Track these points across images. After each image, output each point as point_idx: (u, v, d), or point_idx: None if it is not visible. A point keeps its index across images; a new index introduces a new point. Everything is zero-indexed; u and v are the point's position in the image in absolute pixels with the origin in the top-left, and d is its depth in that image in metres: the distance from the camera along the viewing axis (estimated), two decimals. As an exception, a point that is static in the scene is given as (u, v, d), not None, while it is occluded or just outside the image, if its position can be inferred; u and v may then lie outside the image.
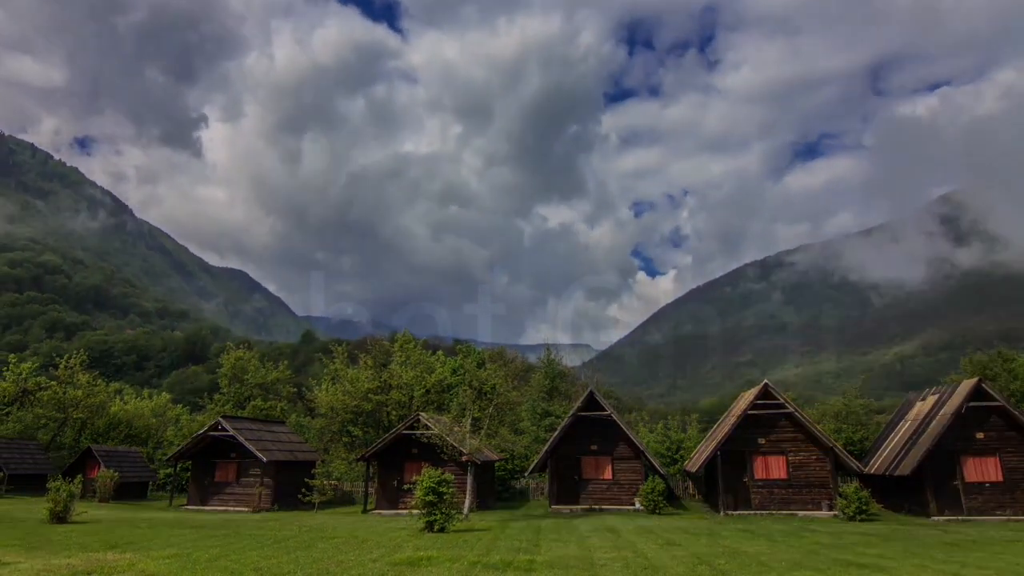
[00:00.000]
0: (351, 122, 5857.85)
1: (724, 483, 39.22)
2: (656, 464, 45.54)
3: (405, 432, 43.05)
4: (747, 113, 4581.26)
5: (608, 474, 42.67)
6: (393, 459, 44.62)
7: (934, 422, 37.40)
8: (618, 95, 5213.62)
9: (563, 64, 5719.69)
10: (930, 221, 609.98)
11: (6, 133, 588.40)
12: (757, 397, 40.07)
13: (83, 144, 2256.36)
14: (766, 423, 39.74)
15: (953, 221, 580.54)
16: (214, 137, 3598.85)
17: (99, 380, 71.74)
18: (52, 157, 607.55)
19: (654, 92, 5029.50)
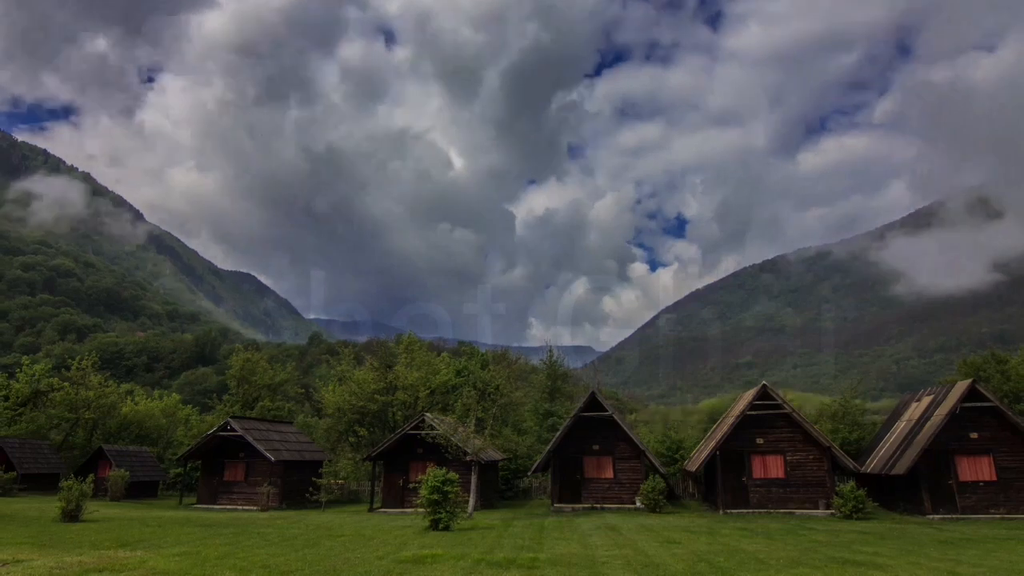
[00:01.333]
0: (324, 87, 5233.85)
1: (723, 482, 39.20)
2: (656, 464, 45.52)
3: (411, 432, 43.06)
4: (755, 81, 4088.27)
5: (609, 473, 42.64)
6: (399, 459, 44.67)
7: (929, 422, 37.36)
8: (612, 58, 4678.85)
9: (551, 11, 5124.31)
10: (940, 220, 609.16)
11: (19, 139, 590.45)
12: (756, 398, 40.05)
13: (34, 117, 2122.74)
14: (764, 423, 39.71)
15: (970, 218, 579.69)
16: (174, 109, 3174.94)
17: (110, 381, 71.98)
18: (64, 162, 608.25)
19: (651, 55, 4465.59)
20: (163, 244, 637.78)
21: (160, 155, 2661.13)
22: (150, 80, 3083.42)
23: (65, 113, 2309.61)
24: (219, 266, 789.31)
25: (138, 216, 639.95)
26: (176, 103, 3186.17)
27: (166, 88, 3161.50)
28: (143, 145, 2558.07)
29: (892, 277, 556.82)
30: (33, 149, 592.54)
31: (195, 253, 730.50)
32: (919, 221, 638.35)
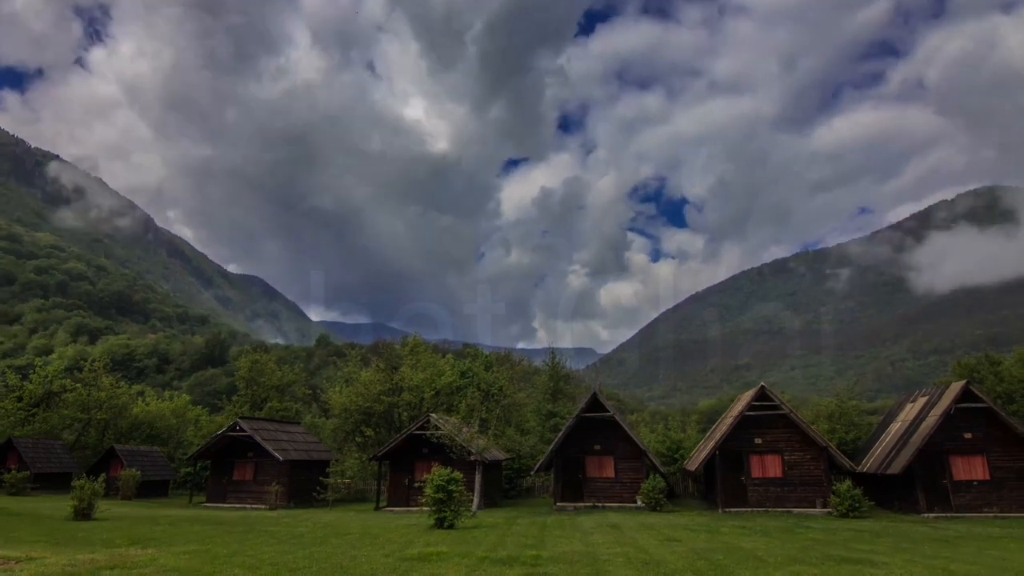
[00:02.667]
0: (294, 54, 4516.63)
1: (722, 481, 39.18)
2: (657, 463, 45.47)
3: (416, 432, 43.08)
4: (765, 41, 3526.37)
5: (611, 473, 42.61)
6: (404, 458, 44.66)
7: (924, 423, 37.34)
8: (603, 5, 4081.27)
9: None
10: (941, 222, 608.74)
11: (33, 146, 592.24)
12: (754, 399, 40.02)
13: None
14: (763, 424, 39.68)
15: (973, 220, 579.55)
16: (129, 76, 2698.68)
17: (122, 382, 72.13)
18: (77, 168, 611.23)
19: (648, 7, 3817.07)
20: (174, 248, 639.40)
21: (119, 128, 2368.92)
22: (96, 40, 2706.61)
23: (10, 81, 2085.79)
24: (228, 269, 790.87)
25: (150, 221, 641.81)
26: (131, 69, 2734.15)
27: (117, 51, 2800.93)
28: (98, 117, 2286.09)
29: (888, 280, 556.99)
30: (47, 155, 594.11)
31: (204, 256, 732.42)
32: (918, 224, 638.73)
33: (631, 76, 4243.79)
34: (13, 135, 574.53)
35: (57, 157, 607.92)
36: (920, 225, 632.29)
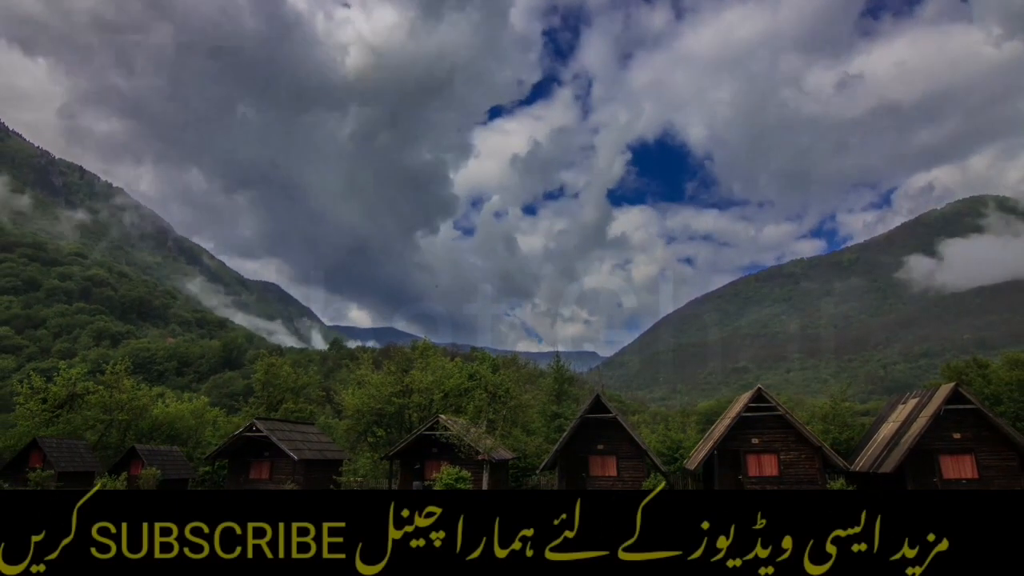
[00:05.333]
0: None
1: (720, 480, 39.26)
2: (658, 462, 45.53)
3: (426, 433, 43.22)
4: None
5: (613, 471, 42.69)
6: (415, 458, 44.83)
7: (915, 424, 37.37)
8: None
9: None
10: (938, 228, 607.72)
11: (56, 156, 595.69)
12: (751, 400, 40.13)
13: None
14: (759, 424, 39.76)
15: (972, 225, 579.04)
16: None
17: (142, 385, 72.46)
18: (99, 179, 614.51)
19: None
20: (192, 255, 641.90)
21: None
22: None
23: None
24: (245, 276, 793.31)
25: (169, 229, 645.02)
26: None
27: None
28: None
29: (881, 286, 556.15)
30: (70, 166, 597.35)
31: (222, 263, 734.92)
32: (910, 230, 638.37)
33: None
34: (39, 147, 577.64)
35: (81, 168, 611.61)
36: (913, 231, 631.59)
